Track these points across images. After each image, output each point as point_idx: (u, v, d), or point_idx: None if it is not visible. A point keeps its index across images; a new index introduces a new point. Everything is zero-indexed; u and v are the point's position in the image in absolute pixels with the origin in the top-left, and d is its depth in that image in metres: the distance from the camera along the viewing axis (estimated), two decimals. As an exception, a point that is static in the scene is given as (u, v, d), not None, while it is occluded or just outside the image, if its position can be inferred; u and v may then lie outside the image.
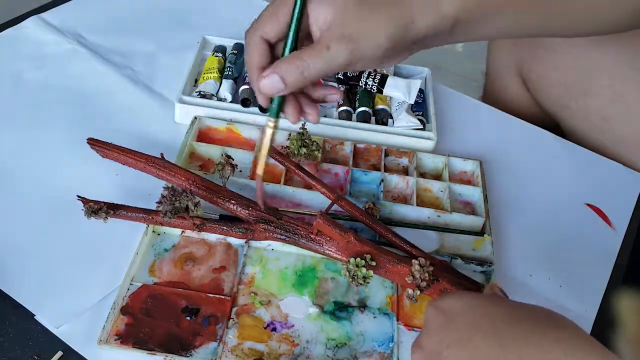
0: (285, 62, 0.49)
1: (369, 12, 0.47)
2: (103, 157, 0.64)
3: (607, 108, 0.85)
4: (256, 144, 0.54)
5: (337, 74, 0.82)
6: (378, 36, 0.48)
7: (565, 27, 0.58)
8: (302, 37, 0.50)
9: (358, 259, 0.57)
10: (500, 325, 0.45)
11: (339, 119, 0.79)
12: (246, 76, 0.80)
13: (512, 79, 0.98)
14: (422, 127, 0.78)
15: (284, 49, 0.50)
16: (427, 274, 0.56)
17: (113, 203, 0.61)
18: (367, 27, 0.47)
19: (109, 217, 0.61)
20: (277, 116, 0.53)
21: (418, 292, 0.56)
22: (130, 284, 0.59)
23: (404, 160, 0.76)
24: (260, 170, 0.56)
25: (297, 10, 0.48)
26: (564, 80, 0.89)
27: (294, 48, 0.50)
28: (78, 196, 0.60)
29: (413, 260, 0.57)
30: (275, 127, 0.53)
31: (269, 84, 0.49)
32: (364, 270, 0.56)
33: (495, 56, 1.01)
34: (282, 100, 0.53)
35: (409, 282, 0.57)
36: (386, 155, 0.75)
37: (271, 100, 0.52)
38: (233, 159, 0.64)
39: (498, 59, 1.00)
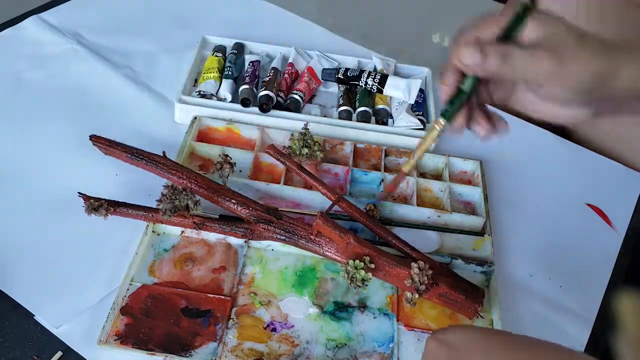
0: (492, 45, 0.47)
1: (579, 43, 0.47)
2: (105, 154, 0.64)
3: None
4: (421, 142, 0.53)
5: (337, 73, 0.82)
6: (582, 66, 0.47)
7: None
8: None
9: (357, 261, 0.57)
10: (510, 353, 0.45)
11: (339, 118, 0.79)
12: (246, 76, 0.80)
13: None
14: (422, 127, 0.78)
15: (499, 37, 0.49)
16: (426, 278, 0.56)
17: (113, 200, 0.61)
18: (576, 55, 0.46)
19: (109, 215, 0.60)
20: (449, 120, 0.51)
21: (417, 296, 0.56)
22: (130, 284, 0.59)
23: (404, 160, 0.76)
24: (407, 169, 0.56)
25: (522, 16, 0.48)
26: None
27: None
28: (79, 193, 0.60)
29: (412, 264, 0.57)
30: (442, 130, 0.52)
31: (470, 55, 0.47)
32: (362, 272, 0.56)
33: None
34: (460, 106, 0.50)
35: (408, 285, 0.57)
36: (386, 155, 0.75)
37: (450, 103, 0.51)
38: (231, 158, 0.64)
39: None
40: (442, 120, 0.51)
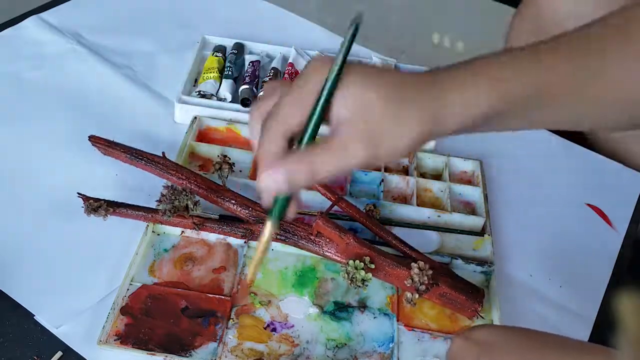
0: (296, 162, 0.43)
1: (396, 112, 0.42)
2: (104, 154, 0.64)
3: None
4: (256, 244, 0.48)
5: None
6: (403, 139, 0.42)
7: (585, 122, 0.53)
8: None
9: (357, 262, 0.57)
10: (543, 349, 0.45)
11: (339, 118, 0.79)
12: (246, 76, 0.80)
13: None
14: (422, 127, 0.78)
15: (300, 141, 0.44)
16: (426, 278, 0.56)
17: (113, 201, 0.61)
18: (393, 130, 0.42)
19: (108, 215, 0.60)
20: (280, 219, 0.45)
21: (417, 296, 0.56)
22: (130, 284, 0.59)
23: (404, 160, 0.76)
24: (251, 276, 0.48)
25: (321, 102, 0.42)
26: None
27: (311, 140, 0.44)
28: (78, 193, 0.60)
29: (412, 264, 0.57)
30: (274, 230, 0.46)
31: (272, 181, 0.43)
32: (362, 272, 0.56)
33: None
34: (288, 202, 0.45)
35: (408, 285, 0.57)
36: (386, 155, 0.75)
37: (272, 211, 0.45)
38: (230, 158, 0.64)
39: None
40: (272, 222, 0.46)
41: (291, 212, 0.46)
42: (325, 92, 0.42)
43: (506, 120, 0.48)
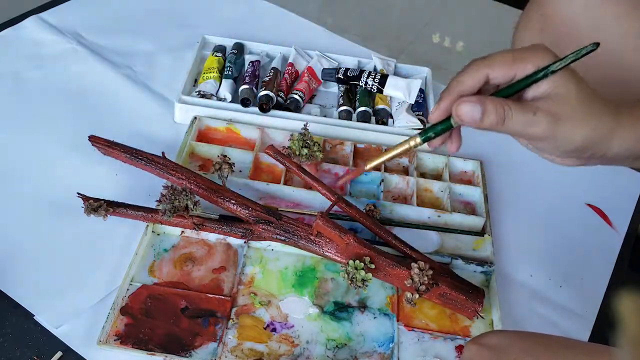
0: (494, 102, 0.48)
1: (586, 107, 0.48)
2: (104, 154, 0.64)
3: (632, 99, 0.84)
4: (392, 147, 0.53)
5: (337, 73, 0.82)
6: (579, 130, 0.48)
7: None
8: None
9: (357, 262, 0.57)
10: (554, 352, 0.47)
11: (339, 118, 0.79)
12: (246, 76, 0.80)
13: None
14: (422, 126, 0.78)
15: (496, 92, 0.49)
16: (426, 278, 0.56)
17: (113, 201, 0.61)
18: (575, 119, 0.48)
19: (108, 215, 0.60)
20: (426, 140, 0.51)
21: (417, 296, 0.56)
22: (130, 284, 0.59)
23: (404, 160, 0.76)
24: (369, 167, 0.55)
25: (536, 76, 0.48)
26: (592, 73, 0.88)
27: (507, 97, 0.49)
28: (78, 193, 0.60)
29: (412, 264, 0.57)
30: (415, 147, 0.52)
31: (469, 110, 0.48)
32: (362, 272, 0.56)
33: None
34: (442, 133, 0.51)
35: (408, 285, 0.57)
36: (386, 155, 0.75)
37: (433, 127, 0.51)
38: (229, 158, 0.64)
39: None
40: (419, 139, 0.51)
41: (453, 147, 0.53)
42: (541, 73, 0.47)
43: None
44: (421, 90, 0.81)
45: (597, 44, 0.48)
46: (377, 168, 0.73)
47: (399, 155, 0.53)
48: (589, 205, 0.75)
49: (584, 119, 0.48)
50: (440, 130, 0.51)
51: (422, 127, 0.78)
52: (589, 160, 0.51)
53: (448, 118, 0.50)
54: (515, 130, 0.49)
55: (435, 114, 0.51)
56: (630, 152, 0.50)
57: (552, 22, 0.91)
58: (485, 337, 0.50)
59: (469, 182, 0.74)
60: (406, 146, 0.52)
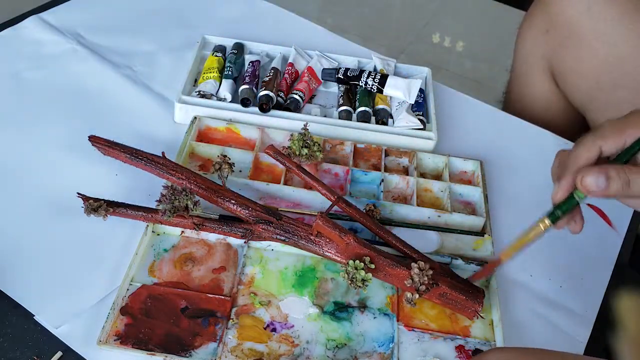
0: (616, 169, 0.49)
1: None
2: (104, 154, 0.64)
3: (637, 100, 0.84)
4: (523, 234, 0.55)
5: (337, 73, 0.82)
6: None
7: None
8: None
9: (357, 262, 0.57)
10: None
11: (339, 118, 0.79)
12: (246, 76, 0.80)
13: (540, 72, 0.97)
14: (422, 127, 0.78)
15: (612, 160, 0.51)
16: (426, 278, 0.56)
17: (113, 201, 0.61)
18: None
19: (108, 215, 0.60)
20: (555, 222, 0.53)
21: (417, 296, 0.56)
22: (130, 284, 0.59)
23: (404, 160, 0.76)
24: (505, 257, 0.56)
25: None
26: (595, 72, 0.88)
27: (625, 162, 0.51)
28: (78, 193, 0.60)
29: (412, 264, 0.57)
30: (546, 230, 0.53)
31: (594, 180, 0.49)
32: (362, 272, 0.56)
33: (524, 51, 1.00)
34: (569, 211, 0.53)
35: (408, 285, 0.57)
36: (386, 155, 0.75)
37: (559, 207, 0.52)
38: (229, 158, 0.64)
39: (527, 53, 1.00)
40: (547, 221, 0.53)
41: (577, 227, 0.54)
42: None
43: None
44: (421, 90, 0.81)
45: None
46: (380, 168, 0.73)
47: (532, 241, 0.54)
48: (589, 205, 0.75)
49: None
50: (566, 208, 0.52)
51: (422, 126, 0.78)
52: None
53: (571, 196, 0.52)
54: (636, 195, 0.49)
55: (559, 194, 0.52)
56: None
57: (556, 22, 0.91)
58: (487, 355, 0.50)
59: (469, 182, 0.74)
60: (537, 230, 0.54)
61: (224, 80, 0.80)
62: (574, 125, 0.86)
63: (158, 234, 0.64)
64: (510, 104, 1.02)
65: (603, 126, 0.51)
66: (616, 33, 0.84)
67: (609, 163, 0.51)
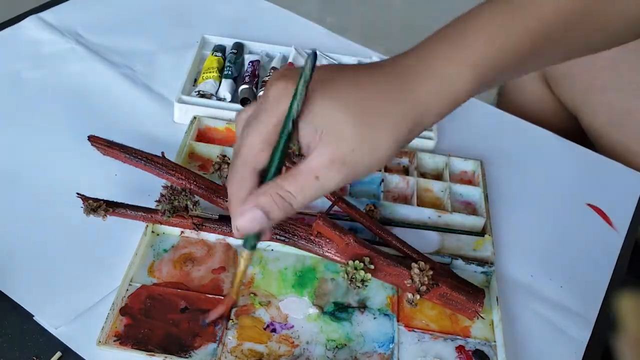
0: (266, 193, 0.42)
1: (369, 130, 0.41)
2: (104, 154, 0.64)
3: (630, 102, 0.84)
4: (235, 271, 0.52)
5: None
6: (380, 153, 0.41)
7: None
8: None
9: (357, 262, 0.56)
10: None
11: (339, 118, 0.79)
12: (246, 75, 0.80)
13: (532, 75, 0.97)
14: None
15: (266, 174, 0.43)
16: (426, 278, 0.56)
17: (112, 201, 0.61)
18: (368, 148, 0.41)
19: (107, 215, 0.60)
20: (254, 249, 0.47)
21: (418, 297, 0.56)
22: (130, 285, 0.59)
23: (404, 160, 0.76)
24: (234, 294, 0.53)
25: (285, 132, 0.41)
26: (587, 74, 0.89)
27: (279, 172, 0.44)
28: (77, 194, 0.60)
29: (412, 264, 0.57)
30: (251, 257, 0.48)
31: (251, 221, 0.42)
32: (362, 273, 0.56)
33: None
34: (260, 234, 0.46)
35: (408, 285, 0.56)
36: (386, 155, 0.75)
37: (247, 239, 0.46)
38: (229, 158, 0.64)
39: None
40: (247, 252, 0.48)
41: (265, 238, 0.46)
42: (288, 123, 0.40)
43: (492, 86, 0.46)
44: (421, 90, 0.81)
45: (315, 52, 0.40)
46: (380, 169, 0.73)
47: (244, 271, 0.50)
48: (589, 205, 0.75)
49: (379, 142, 0.41)
50: (255, 237, 0.46)
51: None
52: (416, 135, 0.44)
53: None
54: (311, 201, 0.42)
55: (235, 232, 0.45)
56: (447, 113, 0.43)
57: None
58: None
59: (469, 182, 0.74)
60: (244, 263, 0.49)
61: (223, 80, 0.79)
62: (567, 128, 0.86)
63: (158, 234, 0.64)
64: (503, 106, 1.02)
65: (246, 138, 0.42)
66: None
67: (261, 181, 0.43)
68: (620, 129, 0.85)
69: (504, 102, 1.03)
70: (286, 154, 0.43)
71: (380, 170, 0.72)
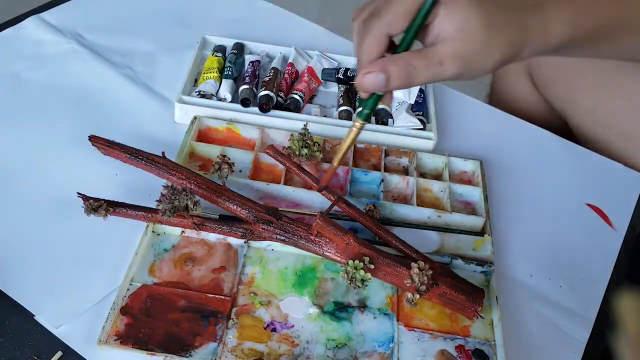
0: (396, 63, 0.47)
1: (488, 35, 0.46)
2: (104, 154, 0.64)
3: (615, 103, 0.85)
4: (343, 139, 0.55)
5: (337, 73, 0.82)
6: (490, 61, 0.47)
7: None
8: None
9: (357, 262, 0.57)
10: None
11: (339, 119, 0.79)
12: (246, 76, 0.80)
13: (520, 76, 0.98)
14: (422, 127, 0.78)
15: (398, 47, 0.48)
16: (426, 278, 0.56)
17: (113, 201, 0.61)
18: (483, 51, 0.47)
19: (108, 215, 0.60)
20: (367, 119, 0.53)
21: (417, 296, 0.56)
22: (130, 284, 0.59)
23: (404, 160, 0.76)
24: (335, 162, 0.56)
25: (424, 11, 0.46)
26: (572, 75, 0.89)
27: (408, 48, 0.49)
28: (78, 193, 0.60)
29: (412, 264, 0.57)
30: (362, 129, 0.53)
31: (373, 81, 0.48)
32: (362, 272, 0.56)
33: None
34: (377, 102, 0.52)
35: (408, 285, 0.57)
36: (386, 155, 0.75)
37: (366, 104, 0.52)
38: (229, 158, 0.64)
39: None
40: (360, 120, 0.53)
41: (388, 100, 0.52)
42: (427, 5, 0.45)
43: (574, 52, 0.53)
44: (421, 90, 0.81)
45: None
46: (380, 168, 0.73)
47: (353, 141, 0.54)
48: (589, 205, 0.75)
49: (492, 49, 0.47)
50: (372, 104, 0.52)
51: (422, 126, 0.78)
52: (516, 60, 0.50)
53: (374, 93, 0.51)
54: (426, 82, 0.49)
55: (362, 95, 0.51)
56: (541, 52, 0.50)
57: None
58: None
59: (469, 182, 0.74)
60: (355, 131, 0.53)
61: (224, 80, 0.80)
62: (557, 128, 0.86)
63: (158, 234, 0.64)
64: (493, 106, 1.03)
65: (387, 7, 0.47)
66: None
67: (393, 52, 0.48)
68: (605, 130, 0.86)
69: (492, 102, 1.03)
70: (417, 34, 0.47)
71: (380, 171, 0.72)
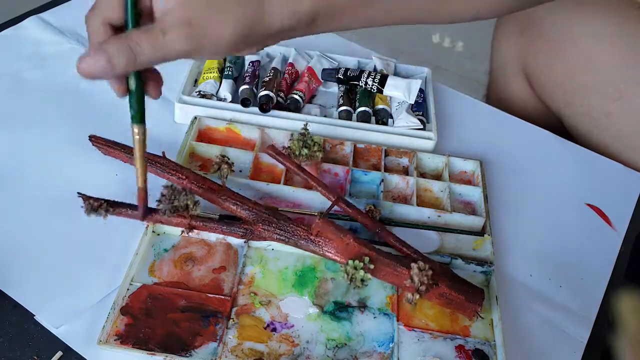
0: (116, 43, 0.42)
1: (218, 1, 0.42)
2: (105, 154, 0.64)
3: (610, 105, 0.85)
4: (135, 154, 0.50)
5: (337, 73, 0.82)
6: (224, 26, 0.42)
7: (441, 15, 0.52)
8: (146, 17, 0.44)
9: (356, 261, 0.57)
10: None
11: (339, 119, 0.79)
12: (246, 76, 0.80)
13: (516, 77, 0.98)
14: (422, 127, 0.78)
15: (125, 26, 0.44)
16: (426, 278, 0.56)
17: (113, 200, 0.61)
18: (213, 15, 0.42)
19: (108, 215, 0.60)
20: (141, 122, 0.47)
21: (417, 296, 0.56)
22: (130, 284, 0.59)
23: (404, 160, 0.76)
24: (140, 182, 0.51)
25: None
26: (567, 76, 0.89)
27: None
28: (78, 193, 0.60)
29: (412, 264, 0.57)
30: (145, 134, 0.47)
31: (92, 64, 0.43)
32: (362, 272, 0.56)
33: (499, 54, 1.01)
34: (140, 99, 0.47)
35: (408, 285, 0.57)
36: (386, 155, 0.75)
37: (130, 107, 0.46)
38: (229, 158, 0.64)
39: (502, 57, 1.00)
40: (136, 127, 0.47)
41: (154, 94, 0.48)
42: None
43: (340, 19, 0.47)
44: (421, 90, 0.81)
45: None
46: (380, 168, 0.73)
47: (143, 152, 0.49)
48: (589, 205, 0.75)
49: (224, 14, 0.42)
50: (134, 102, 0.47)
51: (422, 126, 0.78)
52: (264, 43, 0.45)
53: (130, 91, 0.47)
54: (155, 61, 0.44)
55: (114, 88, 0.46)
56: (292, 24, 0.44)
57: (529, 22, 0.92)
58: None
59: (469, 182, 0.74)
60: (137, 140, 0.48)
61: (224, 81, 0.80)
62: (554, 129, 0.86)
63: (158, 234, 0.64)
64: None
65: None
66: (590, 38, 0.85)
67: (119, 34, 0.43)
68: (602, 131, 0.86)
69: (489, 102, 1.04)
70: (134, 10, 0.43)
71: (380, 171, 0.72)
